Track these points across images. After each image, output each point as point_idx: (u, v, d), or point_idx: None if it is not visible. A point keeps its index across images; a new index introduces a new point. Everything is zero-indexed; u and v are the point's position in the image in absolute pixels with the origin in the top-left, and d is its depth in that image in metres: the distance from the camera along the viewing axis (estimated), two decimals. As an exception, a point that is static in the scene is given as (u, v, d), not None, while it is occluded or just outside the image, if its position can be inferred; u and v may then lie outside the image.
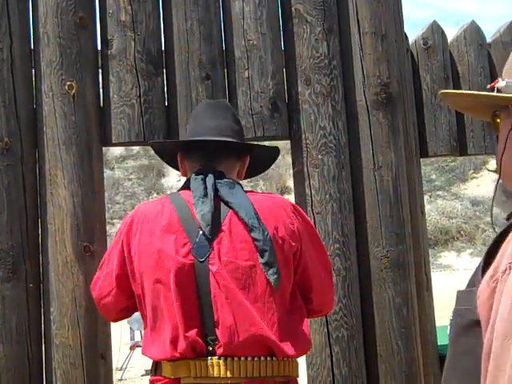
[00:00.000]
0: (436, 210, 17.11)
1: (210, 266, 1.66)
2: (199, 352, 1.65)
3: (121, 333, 11.62)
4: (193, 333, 1.65)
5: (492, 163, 18.70)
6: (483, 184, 18.09)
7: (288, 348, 1.67)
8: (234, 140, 1.84)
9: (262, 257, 1.65)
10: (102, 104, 2.40)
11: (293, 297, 1.73)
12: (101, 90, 2.43)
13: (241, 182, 1.89)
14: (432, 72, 3.06)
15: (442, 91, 1.11)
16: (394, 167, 2.37)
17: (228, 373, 1.63)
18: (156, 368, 1.74)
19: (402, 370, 2.24)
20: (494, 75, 3.17)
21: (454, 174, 19.17)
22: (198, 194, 1.72)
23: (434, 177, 19.12)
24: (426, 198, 18.25)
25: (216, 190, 1.73)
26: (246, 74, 2.43)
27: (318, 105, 2.38)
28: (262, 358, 1.65)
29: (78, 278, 2.19)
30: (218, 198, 1.73)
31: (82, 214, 2.23)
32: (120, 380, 10.06)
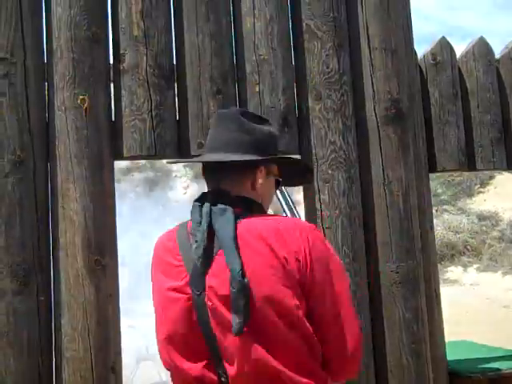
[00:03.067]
0: (442, 224, 17.05)
1: (206, 299, 1.61)
2: None
3: (129, 345, 11.59)
4: (200, 366, 1.61)
5: (498, 179, 18.68)
6: (489, 199, 18.04)
7: (302, 379, 1.55)
8: (227, 159, 1.75)
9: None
10: (113, 118, 2.42)
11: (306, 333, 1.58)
12: (113, 104, 2.44)
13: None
14: (441, 87, 3.06)
15: None
16: (403, 182, 2.38)
17: None
18: None
19: (414, 386, 2.23)
20: (502, 91, 3.18)
21: (460, 188, 19.13)
22: (193, 224, 1.68)
23: (440, 191, 19.07)
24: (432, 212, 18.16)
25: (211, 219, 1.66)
26: (257, 89, 2.44)
27: (328, 120, 2.39)
28: None
29: (88, 291, 2.20)
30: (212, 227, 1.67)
31: (93, 227, 2.24)
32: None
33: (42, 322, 2.20)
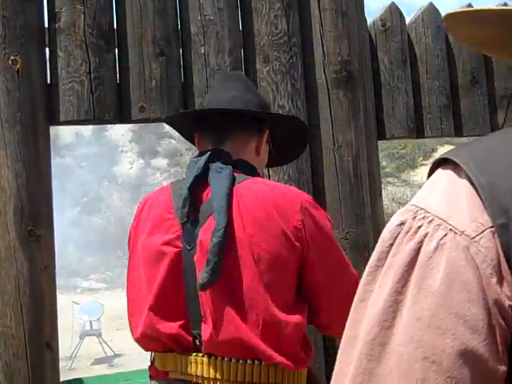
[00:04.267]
0: (386, 196, 17.33)
1: (194, 255, 1.53)
2: (185, 346, 1.53)
3: (73, 322, 11.43)
4: (176, 325, 1.53)
5: (441, 151, 19.01)
6: (433, 171, 18.37)
7: (274, 354, 1.48)
8: (245, 108, 1.63)
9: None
10: (49, 80, 2.27)
11: (289, 301, 1.53)
12: (48, 66, 2.30)
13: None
14: (390, 53, 3.03)
15: (449, 13, 0.78)
16: (354, 147, 2.31)
17: (211, 372, 1.49)
18: (152, 357, 1.65)
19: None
20: (450, 57, 3.16)
21: (404, 160, 19.47)
22: (187, 179, 1.60)
23: (384, 163, 19.35)
24: (377, 185, 18.51)
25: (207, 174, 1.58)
26: (203, 51, 2.33)
27: (276, 83, 2.30)
28: (248, 361, 1.49)
29: (22, 264, 2.06)
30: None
31: (27, 195, 2.10)
32: (70, 369, 9.89)
33: (-27, 298, 2.06)
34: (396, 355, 0.63)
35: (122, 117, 2.28)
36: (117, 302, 12.48)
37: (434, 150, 19.20)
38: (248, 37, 2.38)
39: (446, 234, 0.65)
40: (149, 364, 1.67)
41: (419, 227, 0.67)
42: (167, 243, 1.56)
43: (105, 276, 20.62)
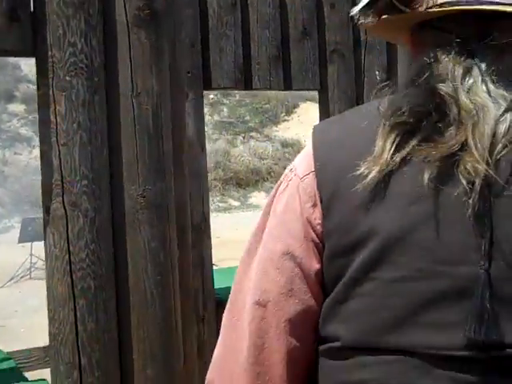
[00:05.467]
0: (248, 151, 17.41)
1: None
2: None
3: None
4: None
5: (302, 107, 19.25)
6: (293, 127, 18.65)
7: None
8: None
9: None
10: None
11: None
12: None
13: None
14: (219, -3, 2.86)
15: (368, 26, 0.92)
16: (155, 94, 2.08)
17: None
18: None
19: (157, 321, 2.01)
20: (283, 6, 3.00)
21: (267, 116, 19.57)
22: None
23: (247, 118, 19.35)
24: (239, 138, 18.43)
25: None
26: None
27: (67, 17, 2.00)
28: None
29: None
30: None
31: None
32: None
33: None
34: (258, 254, 0.92)
35: None
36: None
37: (296, 106, 19.44)
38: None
39: (291, 178, 0.93)
40: None
41: (287, 175, 0.94)
42: None
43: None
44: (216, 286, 2.80)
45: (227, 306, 0.95)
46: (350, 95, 3.05)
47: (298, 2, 3.03)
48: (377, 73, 3.13)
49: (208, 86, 2.89)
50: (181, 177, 2.21)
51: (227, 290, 3.01)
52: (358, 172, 0.82)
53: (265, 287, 0.88)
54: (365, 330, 0.82)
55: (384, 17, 0.90)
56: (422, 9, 0.87)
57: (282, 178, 0.94)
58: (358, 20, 0.91)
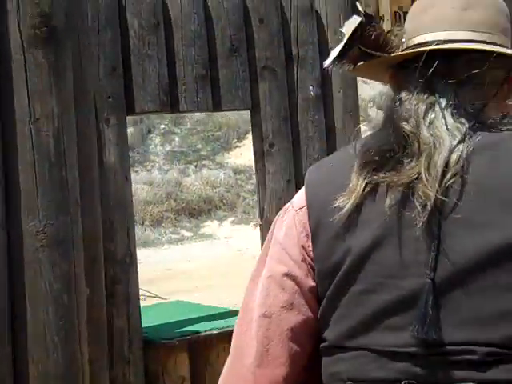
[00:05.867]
0: (201, 179, 17.22)
1: None
2: None
3: None
4: None
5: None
6: (245, 153, 18.56)
7: None
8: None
9: None
10: None
11: None
12: None
13: None
14: (140, 17, 2.68)
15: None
16: (56, 119, 1.89)
17: None
18: None
19: (58, 371, 1.79)
20: (208, 21, 2.86)
21: (218, 143, 19.46)
22: None
23: (199, 146, 19.21)
24: (191, 167, 18.28)
25: None
26: None
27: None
28: None
29: None
30: None
31: None
32: None
33: None
34: (263, 276, 1.08)
35: None
36: None
37: (247, 132, 19.38)
38: None
39: (290, 211, 1.08)
40: None
41: (287, 208, 1.10)
42: None
43: None
44: (144, 325, 2.61)
45: (237, 320, 1.10)
46: (283, 113, 2.93)
47: (225, 18, 2.91)
48: (311, 88, 3.00)
49: (131, 110, 2.77)
50: (91, 208, 2.02)
51: (156, 328, 2.79)
52: (335, 205, 0.99)
53: (270, 302, 1.05)
54: (342, 332, 1.00)
55: (360, 64, 1.04)
56: (398, 52, 1.01)
57: (282, 211, 1.10)
58: (333, 68, 1.05)
